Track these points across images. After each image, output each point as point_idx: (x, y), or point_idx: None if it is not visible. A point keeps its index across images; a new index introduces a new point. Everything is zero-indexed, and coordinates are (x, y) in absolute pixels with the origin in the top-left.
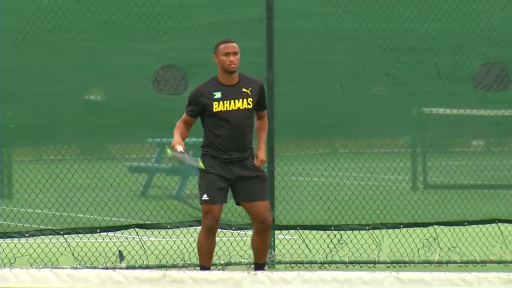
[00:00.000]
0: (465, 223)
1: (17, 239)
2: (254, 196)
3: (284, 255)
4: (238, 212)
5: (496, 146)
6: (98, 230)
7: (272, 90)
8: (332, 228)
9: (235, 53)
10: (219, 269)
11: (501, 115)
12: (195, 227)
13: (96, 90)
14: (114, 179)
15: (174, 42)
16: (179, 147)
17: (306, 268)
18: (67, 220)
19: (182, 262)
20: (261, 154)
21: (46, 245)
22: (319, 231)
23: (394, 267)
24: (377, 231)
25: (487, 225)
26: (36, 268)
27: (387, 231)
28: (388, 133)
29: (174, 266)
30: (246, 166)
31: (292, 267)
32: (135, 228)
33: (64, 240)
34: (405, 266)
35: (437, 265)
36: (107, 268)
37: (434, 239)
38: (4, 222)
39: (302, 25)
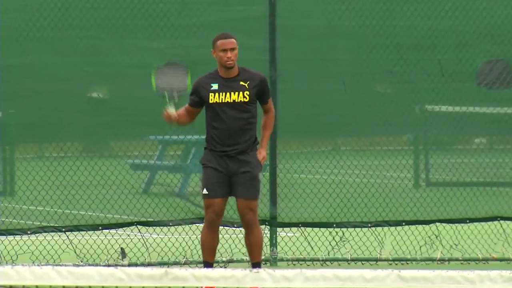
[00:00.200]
0: (467, 221)
1: (19, 236)
2: (237, 192)
3: (286, 253)
4: None
5: (498, 144)
6: (100, 228)
7: (275, 88)
8: (334, 225)
9: (232, 49)
10: (221, 267)
11: (504, 112)
12: (197, 225)
13: (99, 87)
14: (117, 177)
15: (177, 39)
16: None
17: (308, 265)
18: (69, 217)
19: (184, 259)
20: (261, 151)
21: (48, 242)
22: (321, 229)
23: (396, 264)
24: (379, 229)
25: (489, 223)
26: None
27: (389, 228)
28: (390, 131)
29: (176, 264)
30: (240, 160)
31: (294, 265)
32: (137, 226)
33: (66, 237)
34: (407, 263)
35: (439, 262)
36: (109, 265)
37: (436, 237)
38: (7, 219)
39: (305, 23)
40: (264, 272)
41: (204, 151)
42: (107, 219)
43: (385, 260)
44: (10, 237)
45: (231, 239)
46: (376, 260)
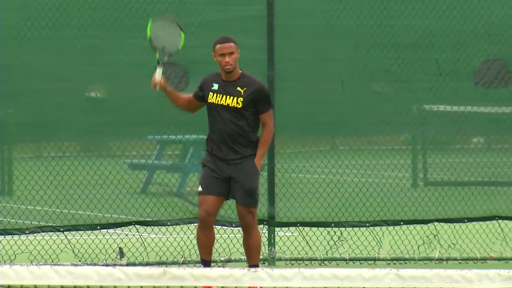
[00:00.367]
0: (466, 220)
1: (17, 236)
2: (236, 198)
3: (284, 252)
4: None
5: (496, 143)
6: (98, 227)
7: (273, 87)
8: (333, 225)
9: (230, 54)
10: (219, 266)
11: (502, 112)
12: (195, 224)
13: (97, 87)
14: (115, 176)
15: None
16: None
17: (306, 265)
18: (67, 217)
19: (183, 259)
20: (256, 162)
21: (47, 242)
22: (320, 228)
23: (394, 264)
24: (377, 228)
25: (488, 222)
26: (36, 265)
27: (387, 228)
28: (388, 130)
29: (174, 263)
30: (238, 168)
31: (292, 264)
32: (136, 225)
33: (65, 237)
34: (405, 263)
35: (437, 262)
36: (107, 265)
37: (435, 236)
38: (5, 219)
39: (303, 22)
40: (262, 271)
41: (206, 152)
42: (105, 218)
43: (383, 259)
44: (8, 237)
45: (229, 238)
46: (375, 259)
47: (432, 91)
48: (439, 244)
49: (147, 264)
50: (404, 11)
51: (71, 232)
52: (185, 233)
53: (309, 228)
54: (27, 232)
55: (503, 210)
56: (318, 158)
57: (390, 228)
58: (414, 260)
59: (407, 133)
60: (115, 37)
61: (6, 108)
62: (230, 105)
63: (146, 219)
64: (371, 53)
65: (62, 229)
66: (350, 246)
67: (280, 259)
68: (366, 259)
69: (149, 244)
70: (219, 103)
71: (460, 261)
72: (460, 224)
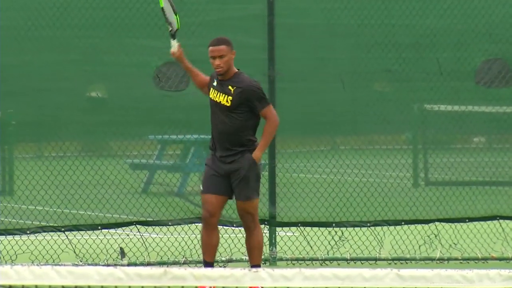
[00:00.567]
0: (466, 220)
1: (18, 236)
2: (235, 194)
3: (285, 252)
4: None
5: (497, 143)
6: (99, 227)
7: (274, 87)
8: (333, 225)
9: (221, 57)
10: (220, 266)
11: (503, 111)
12: (196, 224)
13: (98, 87)
14: (116, 176)
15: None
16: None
17: (307, 265)
18: (68, 217)
19: (184, 259)
20: (255, 152)
21: (47, 242)
22: (320, 228)
23: (395, 264)
24: (378, 228)
25: (489, 222)
26: (37, 265)
27: (388, 228)
28: (389, 130)
29: (175, 263)
30: (233, 164)
31: (293, 264)
32: (136, 225)
33: (65, 237)
34: (406, 263)
35: (438, 262)
36: (108, 265)
37: (435, 236)
38: (6, 219)
39: (304, 21)
40: (263, 271)
41: (209, 152)
42: (106, 218)
43: (384, 259)
44: (9, 237)
45: (230, 238)
46: (375, 259)
47: (433, 90)
48: (440, 244)
49: (148, 264)
50: (405, 11)
51: (72, 232)
52: (186, 233)
53: (310, 228)
54: (28, 232)
55: (504, 210)
56: (319, 157)
57: (391, 228)
58: (415, 260)
59: (408, 132)
60: (115, 37)
61: (6, 108)
62: (221, 103)
63: (147, 219)
64: (372, 52)
65: (63, 229)
66: (351, 246)
67: (281, 259)
68: (367, 259)
69: (150, 244)
70: (214, 99)
71: (461, 261)
72: (461, 224)
